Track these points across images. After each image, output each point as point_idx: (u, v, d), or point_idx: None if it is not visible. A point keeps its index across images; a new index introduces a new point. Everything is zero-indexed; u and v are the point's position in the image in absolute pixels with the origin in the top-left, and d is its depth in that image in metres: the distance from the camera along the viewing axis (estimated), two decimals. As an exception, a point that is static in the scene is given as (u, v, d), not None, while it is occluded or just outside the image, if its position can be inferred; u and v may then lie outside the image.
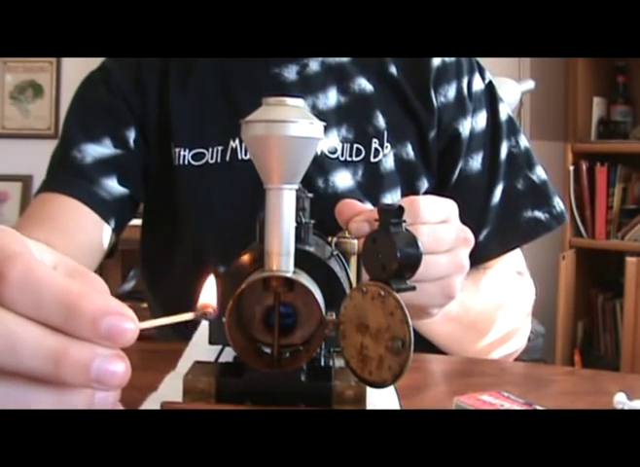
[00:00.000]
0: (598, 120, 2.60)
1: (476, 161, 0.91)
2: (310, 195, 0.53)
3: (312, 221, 0.51)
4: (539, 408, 0.50)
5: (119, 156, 0.89)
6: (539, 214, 0.91)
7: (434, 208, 0.60)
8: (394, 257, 0.43)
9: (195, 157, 0.88)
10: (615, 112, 2.61)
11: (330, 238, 0.57)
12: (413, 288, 0.45)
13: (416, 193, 0.90)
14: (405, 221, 0.47)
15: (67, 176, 0.86)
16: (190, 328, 0.64)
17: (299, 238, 0.47)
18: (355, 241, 0.57)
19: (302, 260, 0.46)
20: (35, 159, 3.02)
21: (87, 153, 0.86)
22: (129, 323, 0.36)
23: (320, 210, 0.91)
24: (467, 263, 0.62)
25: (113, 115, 0.89)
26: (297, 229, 0.46)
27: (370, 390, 0.44)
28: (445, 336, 0.82)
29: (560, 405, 0.59)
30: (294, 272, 0.44)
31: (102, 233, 0.87)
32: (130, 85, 0.90)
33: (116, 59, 0.92)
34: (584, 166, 2.54)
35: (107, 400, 0.37)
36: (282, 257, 0.44)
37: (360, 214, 0.59)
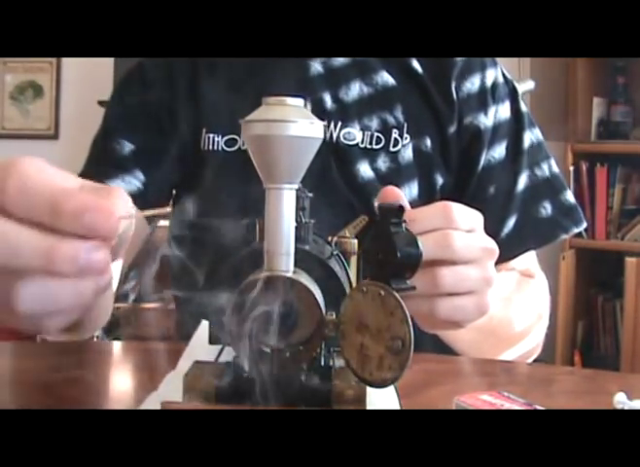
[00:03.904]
0: (598, 120, 2.60)
1: (499, 152, 0.93)
2: (310, 194, 0.52)
3: (312, 221, 0.51)
4: (539, 408, 0.50)
5: (154, 146, 0.93)
6: (556, 214, 0.92)
7: (465, 216, 0.60)
8: (394, 257, 0.43)
9: (228, 143, 0.91)
10: (615, 112, 2.61)
11: (330, 238, 0.57)
12: (413, 288, 0.45)
13: (433, 186, 0.92)
14: (405, 221, 0.47)
15: (106, 167, 0.90)
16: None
17: (299, 238, 0.47)
18: (355, 241, 0.57)
19: (302, 260, 0.46)
20: (35, 159, 3.03)
21: (124, 144, 0.91)
22: (108, 216, 0.41)
23: (338, 196, 0.92)
24: (494, 275, 0.62)
25: (148, 108, 0.94)
26: (297, 228, 0.46)
27: (370, 390, 0.44)
28: (467, 343, 0.82)
29: (560, 405, 0.59)
30: (294, 272, 0.44)
31: (138, 222, 0.90)
32: (162, 78, 0.94)
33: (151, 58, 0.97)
34: (584, 167, 2.54)
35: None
36: (282, 257, 0.44)
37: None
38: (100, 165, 0.91)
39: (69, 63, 3.01)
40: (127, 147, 0.92)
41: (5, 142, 3.01)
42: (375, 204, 0.50)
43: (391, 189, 0.60)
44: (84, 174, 0.91)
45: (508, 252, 0.89)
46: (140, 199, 0.89)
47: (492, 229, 0.64)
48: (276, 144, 0.43)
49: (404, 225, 0.45)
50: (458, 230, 0.58)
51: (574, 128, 2.56)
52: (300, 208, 0.49)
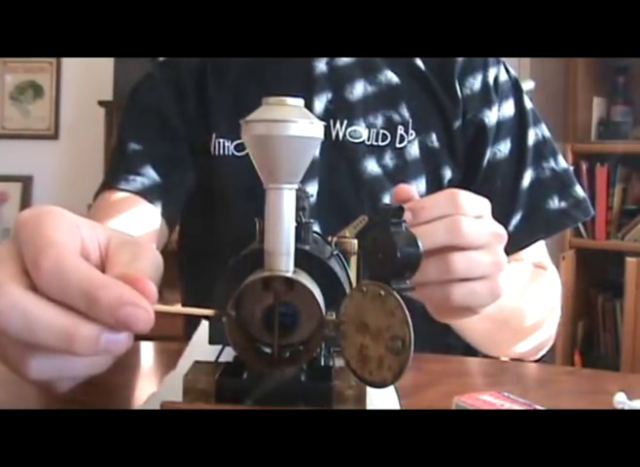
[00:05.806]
0: (598, 120, 2.60)
1: (504, 149, 0.94)
2: (312, 195, 0.52)
3: (312, 221, 0.51)
4: (539, 408, 0.50)
5: (168, 152, 0.95)
6: (564, 205, 0.93)
7: (472, 202, 0.61)
8: (394, 257, 0.43)
9: (238, 147, 0.92)
10: (615, 112, 2.61)
11: (330, 238, 0.57)
12: (413, 288, 0.45)
13: (441, 181, 0.93)
14: (405, 221, 0.47)
15: (123, 174, 0.92)
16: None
17: (299, 238, 0.47)
18: (355, 241, 0.57)
19: (302, 260, 0.46)
20: (35, 159, 3.04)
21: (139, 152, 0.93)
22: (143, 312, 0.40)
23: (344, 193, 0.92)
24: (505, 260, 0.63)
25: (160, 116, 0.96)
26: (297, 229, 0.46)
27: (370, 390, 0.44)
28: (480, 333, 0.83)
29: (560, 405, 0.59)
30: (294, 272, 0.44)
31: (157, 221, 0.92)
32: (172, 87, 0.97)
33: (160, 67, 1.00)
34: (584, 167, 2.54)
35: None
36: (282, 257, 0.44)
37: (410, 201, 0.60)
38: (118, 173, 0.93)
39: (69, 63, 3.01)
40: (142, 152, 0.93)
41: (5, 142, 3.01)
42: (386, 202, 0.50)
43: (402, 187, 0.61)
44: (105, 183, 0.93)
45: (517, 243, 0.90)
46: (165, 204, 0.91)
47: (499, 222, 0.65)
48: (276, 144, 0.43)
49: (404, 224, 0.45)
50: (466, 215, 0.59)
51: (574, 128, 2.56)
52: (300, 208, 0.49)
